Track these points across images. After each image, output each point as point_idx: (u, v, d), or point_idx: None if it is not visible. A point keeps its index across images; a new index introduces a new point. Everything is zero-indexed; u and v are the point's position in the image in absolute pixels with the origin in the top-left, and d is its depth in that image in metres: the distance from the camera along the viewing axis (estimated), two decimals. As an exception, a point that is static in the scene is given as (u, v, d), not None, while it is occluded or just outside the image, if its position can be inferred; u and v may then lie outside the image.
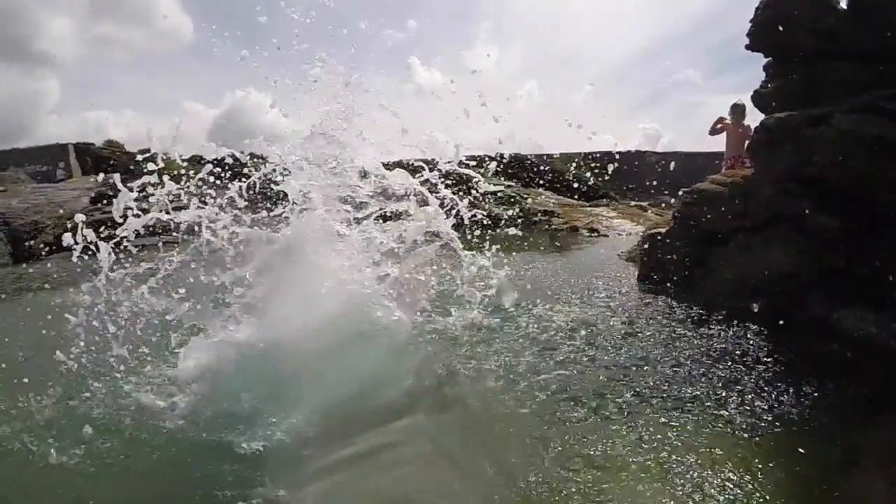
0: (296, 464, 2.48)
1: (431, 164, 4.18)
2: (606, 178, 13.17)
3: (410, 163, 4.33)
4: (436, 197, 4.12)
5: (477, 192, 4.46)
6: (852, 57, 4.49)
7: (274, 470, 2.40)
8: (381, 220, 4.26)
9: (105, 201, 10.03)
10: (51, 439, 2.67)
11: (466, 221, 4.25)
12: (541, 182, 14.39)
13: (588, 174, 14.17)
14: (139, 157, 3.31)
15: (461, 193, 4.26)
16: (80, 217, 3.05)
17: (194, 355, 3.37)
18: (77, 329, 3.10)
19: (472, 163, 4.23)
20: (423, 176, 4.11)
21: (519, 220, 8.32)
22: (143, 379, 3.29)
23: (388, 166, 4.19)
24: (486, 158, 4.79)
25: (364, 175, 4.11)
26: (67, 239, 3.04)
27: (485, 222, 4.52)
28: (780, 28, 4.93)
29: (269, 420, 2.79)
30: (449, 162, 4.15)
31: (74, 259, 3.03)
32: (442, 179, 4.19)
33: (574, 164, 15.22)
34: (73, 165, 17.83)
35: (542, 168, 14.81)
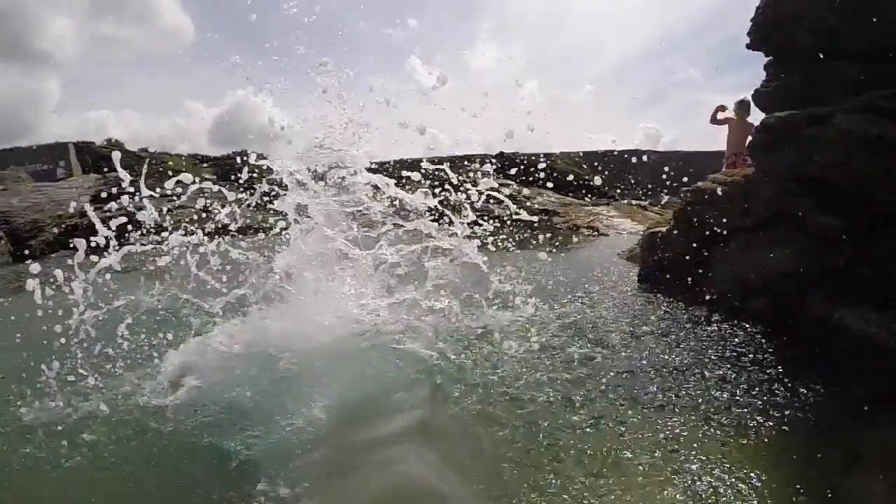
0: (296, 464, 2.48)
1: (458, 184, 4.10)
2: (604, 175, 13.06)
3: (432, 182, 4.25)
4: (461, 222, 4.05)
5: (510, 216, 4.42)
6: (852, 57, 4.48)
7: (274, 470, 2.40)
8: (398, 231, 4.17)
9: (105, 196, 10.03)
10: (50, 440, 2.67)
11: (492, 247, 4.18)
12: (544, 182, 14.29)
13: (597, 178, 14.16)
14: (104, 195, 3.30)
15: (485, 218, 4.20)
16: (35, 267, 2.84)
17: (190, 356, 3.37)
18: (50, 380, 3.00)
19: (507, 184, 4.18)
20: (448, 197, 4.04)
21: (551, 242, 8.31)
22: (141, 380, 3.28)
23: (407, 187, 4.09)
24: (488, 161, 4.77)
25: (376, 189, 4.00)
26: (30, 284, 2.83)
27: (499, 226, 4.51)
28: (781, 27, 4.92)
29: (269, 420, 2.79)
30: (484, 175, 4.07)
31: (39, 313, 2.90)
32: (468, 199, 4.14)
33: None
34: (73, 164, 17.87)
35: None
